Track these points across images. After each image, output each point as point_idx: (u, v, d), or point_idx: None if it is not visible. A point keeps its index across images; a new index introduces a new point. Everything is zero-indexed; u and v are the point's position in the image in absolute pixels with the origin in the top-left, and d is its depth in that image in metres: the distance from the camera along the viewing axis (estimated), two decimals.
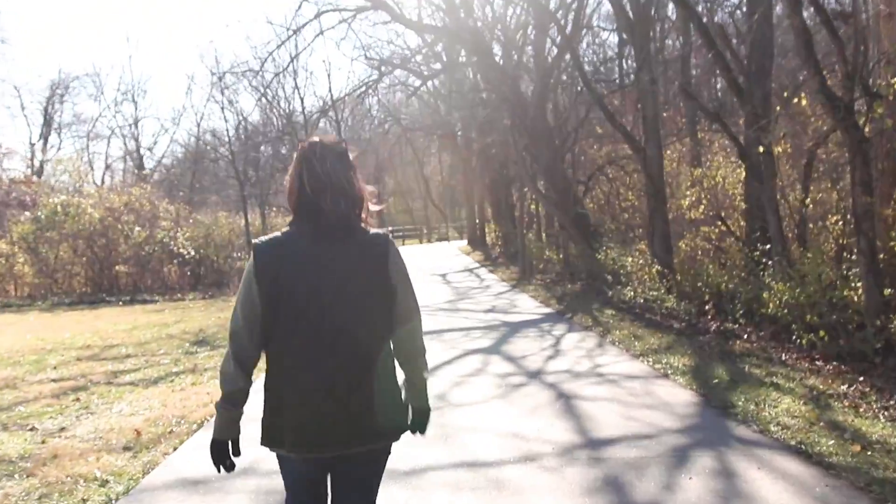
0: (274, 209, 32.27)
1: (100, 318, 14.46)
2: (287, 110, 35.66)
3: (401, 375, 2.24)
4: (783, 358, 7.01)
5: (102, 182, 37.57)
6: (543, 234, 24.63)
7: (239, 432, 2.14)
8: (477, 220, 37.09)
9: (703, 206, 12.31)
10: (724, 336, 8.30)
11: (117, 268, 20.87)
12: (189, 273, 21.54)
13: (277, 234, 2.14)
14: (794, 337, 7.34)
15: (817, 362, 6.70)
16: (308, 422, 2.02)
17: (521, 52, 18.16)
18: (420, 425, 2.31)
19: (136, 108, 53.27)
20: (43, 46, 61.57)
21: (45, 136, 39.85)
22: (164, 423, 5.35)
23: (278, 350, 2.07)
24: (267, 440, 2.11)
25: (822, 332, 6.88)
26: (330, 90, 33.56)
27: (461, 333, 9.39)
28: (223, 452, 2.12)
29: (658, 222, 12.41)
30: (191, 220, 22.40)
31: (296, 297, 2.02)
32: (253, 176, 32.98)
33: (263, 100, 34.66)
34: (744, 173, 12.04)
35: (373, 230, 2.17)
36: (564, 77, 18.67)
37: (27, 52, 59.00)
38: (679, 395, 5.66)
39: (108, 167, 42.51)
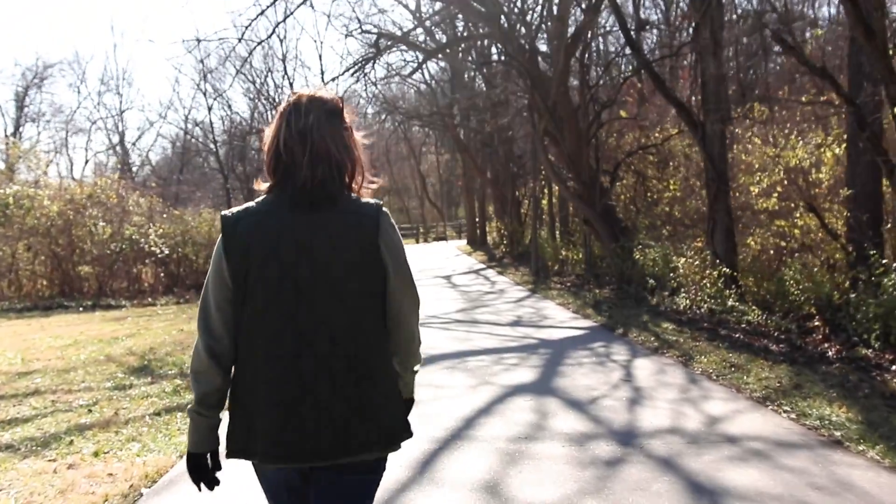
0: None
1: (45, 329, 12.14)
2: (277, 100, 33.35)
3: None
4: None
5: (82, 177, 35.21)
6: (557, 233, 22.40)
7: (218, 442, 1.81)
8: (477, 218, 34.90)
9: (775, 195, 10.05)
10: (859, 366, 6.02)
11: (81, 268, 18.49)
12: (163, 274, 19.21)
13: (251, 203, 1.78)
14: None
15: None
16: (282, 428, 1.66)
17: (539, 21, 15.87)
18: None
19: (120, 101, 50.87)
20: (20, 32, 58.75)
21: (18, 127, 37.31)
22: None
23: (248, 342, 1.72)
24: (234, 449, 1.73)
25: None
26: (322, 73, 31.01)
27: (491, 359, 7.06)
28: (202, 467, 1.79)
29: (720, 214, 10.13)
30: (164, 215, 19.99)
31: (267, 276, 1.68)
32: (238, 167, 30.57)
33: (252, 88, 32.41)
34: (828, 152, 9.82)
35: (363, 200, 1.80)
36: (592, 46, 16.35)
37: (2, 38, 56.18)
38: None
39: (87, 161, 40.09)
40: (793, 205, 9.83)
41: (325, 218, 1.71)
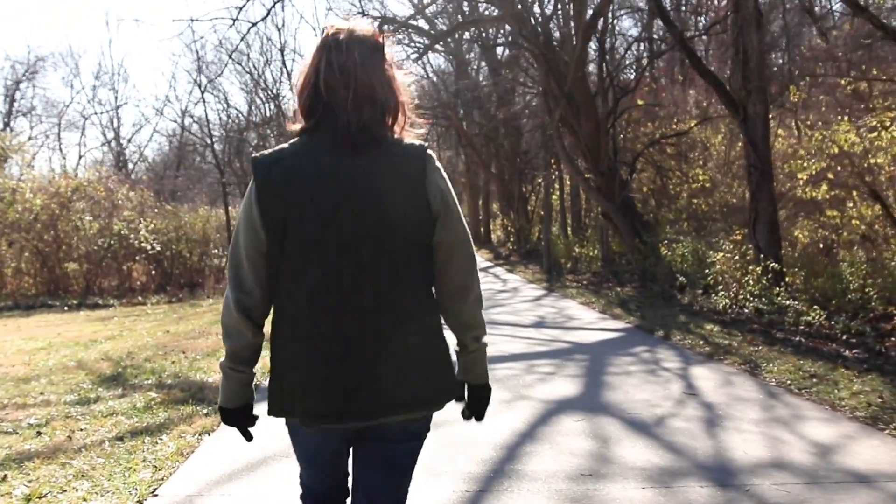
0: None
1: (21, 330, 11.20)
2: (274, 92, 32.34)
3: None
4: None
5: (75, 172, 34.22)
6: (569, 229, 21.43)
7: (252, 397, 1.72)
8: (481, 216, 33.99)
9: (824, 183, 9.07)
10: None
11: (67, 265, 17.51)
12: (155, 272, 18.25)
13: (285, 145, 1.63)
14: None
15: None
16: (326, 387, 1.55)
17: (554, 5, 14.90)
18: (476, 409, 1.75)
19: (115, 96, 49.82)
20: (10, 24, 57.59)
21: (8, 122, 36.28)
22: None
23: (285, 294, 1.59)
24: (275, 408, 1.62)
25: None
26: None
27: (521, 366, 6.08)
28: (234, 421, 1.71)
29: (763, 204, 9.17)
30: (156, 210, 19.02)
31: (305, 224, 1.54)
32: (235, 163, 29.60)
33: (249, 81, 31.45)
34: (886, 135, 8.83)
35: (407, 141, 1.64)
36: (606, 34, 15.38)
37: None
38: None
39: (81, 157, 39.06)
40: (844, 194, 8.88)
41: (368, 162, 1.57)
